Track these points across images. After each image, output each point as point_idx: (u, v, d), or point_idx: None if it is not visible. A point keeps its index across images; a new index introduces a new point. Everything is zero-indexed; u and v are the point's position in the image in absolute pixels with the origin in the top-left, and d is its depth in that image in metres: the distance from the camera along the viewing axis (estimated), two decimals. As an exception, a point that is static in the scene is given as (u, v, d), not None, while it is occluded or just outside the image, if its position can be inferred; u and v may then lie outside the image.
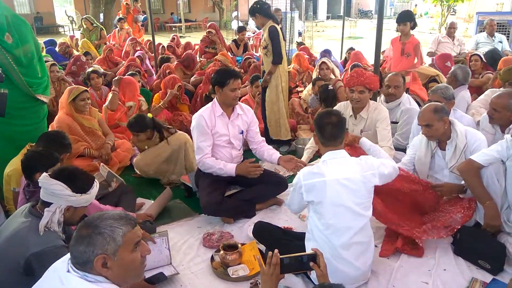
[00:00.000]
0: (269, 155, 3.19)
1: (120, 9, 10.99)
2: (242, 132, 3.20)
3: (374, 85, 3.30)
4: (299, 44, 9.06)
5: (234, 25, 14.80)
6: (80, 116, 3.79)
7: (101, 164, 3.32)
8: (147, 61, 7.00)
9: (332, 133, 2.19)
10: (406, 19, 4.85)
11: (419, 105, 4.25)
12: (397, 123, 3.78)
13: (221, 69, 3.30)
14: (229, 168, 3.02)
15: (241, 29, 8.59)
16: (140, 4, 11.92)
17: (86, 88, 3.90)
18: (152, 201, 3.29)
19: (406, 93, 4.16)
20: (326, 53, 7.09)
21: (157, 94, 5.23)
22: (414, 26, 4.94)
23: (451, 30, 7.14)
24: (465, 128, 2.80)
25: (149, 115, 3.93)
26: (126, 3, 10.59)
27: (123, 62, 6.92)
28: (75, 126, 3.73)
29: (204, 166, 3.05)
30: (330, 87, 4.64)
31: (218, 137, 3.08)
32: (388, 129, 3.32)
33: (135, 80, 4.80)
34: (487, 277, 2.34)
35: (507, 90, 3.14)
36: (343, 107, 3.55)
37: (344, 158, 2.18)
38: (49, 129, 3.49)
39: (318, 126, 2.24)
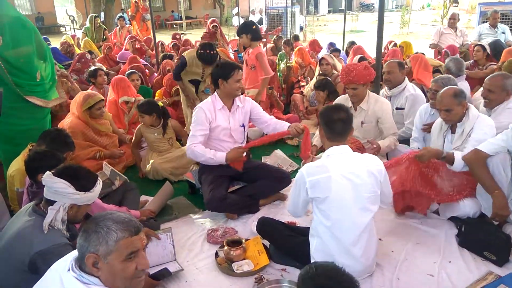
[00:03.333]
0: (281, 126, 3.12)
1: (121, 7, 11.00)
2: (243, 125, 3.20)
3: (364, 79, 3.27)
4: (295, 37, 8.93)
5: (235, 21, 14.77)
6: (95, 122, 3.82)
7: (104, 162, 3.34)
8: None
9: (343, 129, 2.18)
10: (242, 32, 4.59)
11: (425, 95, 4.26)
12: (403, 109, 3.78)
13: (223, 62, 3.27)
14: (219, 156, 2.97)
15: None
16: (147, 2, 11.92)
17: (102, 97, 3.92)
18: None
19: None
20: (331, 45, 7.07)
21: (159, 90, 5.24)
22: (254, 38, 4.48)
23: (452, 21, 7.10)
24: (479, 114, 2.78)
25: (160, 103, 4.02)
26: (136, 1, 10.57)
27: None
28: (89, 132, 3.77)
29: (193, 154, 2.99)
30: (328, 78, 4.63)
31: (220, 130, 3.07)
32: (390, 122, 3.37)
33: (125, 78, 4.74)
34: (497, 269, 2.32)
35: (500, 72, 3.14)
36: (343, 100, 3.55)
37: (348, 153, 2.17)
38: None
39: (326, 121, 2.20)
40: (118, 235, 1.34)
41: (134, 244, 1.37)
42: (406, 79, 3.90)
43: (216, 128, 3.06)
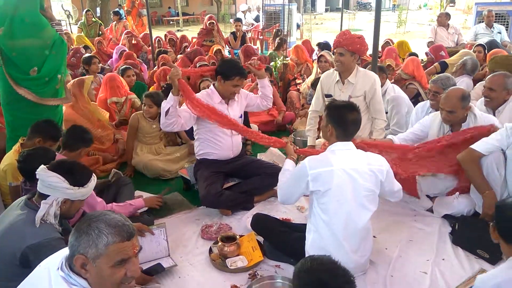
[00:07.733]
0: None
1: (118, 3, 10.91)
2: (241, 116, 3.19)
3: (353, 46, 3.15)
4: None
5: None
6: (97, 111, 3.94)
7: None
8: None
9: (355, 130, 2.18)
10: None
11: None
12: (386, 112, 3.77)
13: (232, 61, 3.16)
14: (169, 95, 2.80)
15: (236, 20, 8.72)
16: (144, -2, 11.84)
17: (92, 76, 4.08)
18: (150, 194, 3.25)
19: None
20: (324, 45, 7.06)
21: (151, 87, 5.20)
22: None
23: (439, 19, 7.25)
24: (481, 113, 2.80)
25: None
26: None
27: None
28: (82, 122, 3.73)
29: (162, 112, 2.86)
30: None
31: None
32: (378, 98, 3.31)
33: (116, 76, 4.65)
34: (489, 267, 2.32)
35: (501, 71, 3.16)
36: (329, 73, 3.48)
37: (352, 150, 2.17)
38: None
39: (339, 120, 2.16)
40: (108, 239, 1.29)
41: (125, 251, 1.32)
42: (388, 81, 3.90)
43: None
